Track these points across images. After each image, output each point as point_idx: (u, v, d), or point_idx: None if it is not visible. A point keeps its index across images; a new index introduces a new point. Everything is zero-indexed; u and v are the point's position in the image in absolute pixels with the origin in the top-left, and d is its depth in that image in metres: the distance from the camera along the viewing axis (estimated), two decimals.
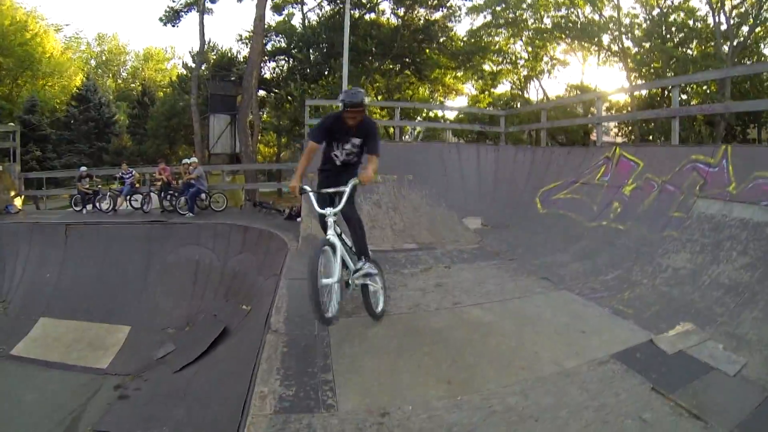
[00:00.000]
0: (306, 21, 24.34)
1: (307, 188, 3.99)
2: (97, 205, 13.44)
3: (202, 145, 21.63)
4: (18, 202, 14.35)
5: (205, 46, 24.01)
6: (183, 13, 21.99)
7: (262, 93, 23.81)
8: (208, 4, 21.95)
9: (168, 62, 43.41)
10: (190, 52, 36.47)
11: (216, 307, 8.50)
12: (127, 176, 13.42)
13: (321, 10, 24.07)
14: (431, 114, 24.82)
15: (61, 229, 11.47)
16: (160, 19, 22.31)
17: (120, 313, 9.28)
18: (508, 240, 7.78)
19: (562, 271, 5.90)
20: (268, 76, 24.41)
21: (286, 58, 24.38)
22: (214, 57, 25.88)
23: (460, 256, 6.78)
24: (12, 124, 15.84)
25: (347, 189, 3.87)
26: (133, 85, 43.13)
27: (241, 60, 25.01)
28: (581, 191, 7.99)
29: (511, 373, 3.37)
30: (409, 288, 5.29)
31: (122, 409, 6.54)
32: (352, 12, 19.78)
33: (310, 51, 23.16)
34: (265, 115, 25.62)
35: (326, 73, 21.80)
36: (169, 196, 12.69)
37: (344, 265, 3.85)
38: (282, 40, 24.30)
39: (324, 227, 3.86)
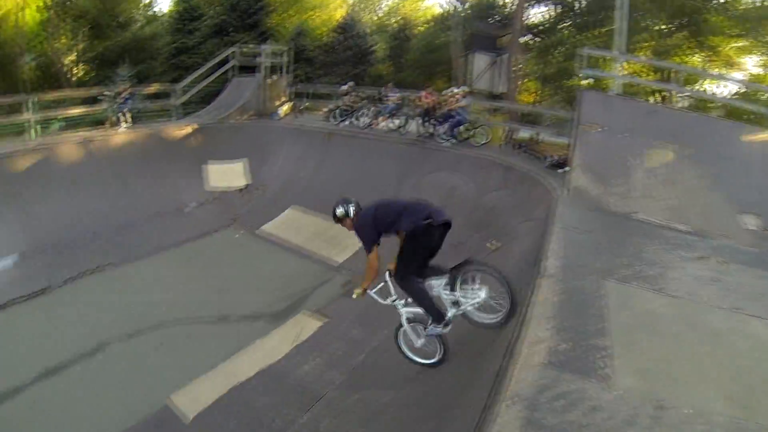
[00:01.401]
0: None
1: (369, 291, 4.67)
2: (355, 121, 14.11)
3: (461, 81, 22.45)
4: (284, 109, 16.32)
5: None
6: None
7: (526, 39, 23.26)
8: None
9: (423, 1, 44.44)
10: None
11: (462, 236, 8.34)
12: (392, 95, 13.87)
13: None
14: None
15: (322, 135, 13.12)
16: None
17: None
18: None
19: None
20: (535, 20, 23.68)
21: (555, 4, 23.20)
22: None
23: (737, 256, 5.77)
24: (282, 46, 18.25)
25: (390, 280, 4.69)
26: (391, 20, 45.64)
27: (501, 3, 24.52)
28: None
29: None
30: (687, 273, 4.86)
31: (347, 304, 7.00)
32: None
33: None
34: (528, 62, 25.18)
35: (597, 24, 20.17)
36: (429, 122, 12.64)
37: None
38: None
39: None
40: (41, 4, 29.86)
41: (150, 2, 36.51)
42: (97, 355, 6.49)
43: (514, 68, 19.10)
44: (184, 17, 26.59)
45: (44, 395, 5.74)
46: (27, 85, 29.26)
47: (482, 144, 12.27)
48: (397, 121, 13.61)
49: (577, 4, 21.38)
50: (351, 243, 9.00)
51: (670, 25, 20.36)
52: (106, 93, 13.99)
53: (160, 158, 12.37)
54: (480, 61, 21.66)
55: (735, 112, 16.22)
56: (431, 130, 12.62)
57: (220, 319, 7.47)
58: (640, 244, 5.60)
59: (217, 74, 16.59)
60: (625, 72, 13.34)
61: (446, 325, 4.40)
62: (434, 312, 4.41)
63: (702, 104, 18.78)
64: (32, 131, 12.75)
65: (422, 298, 4.43)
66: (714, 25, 19.22)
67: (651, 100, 17.81)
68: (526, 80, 23.79)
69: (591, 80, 12.60)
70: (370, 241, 4.39)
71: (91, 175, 11.16)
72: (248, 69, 16.80)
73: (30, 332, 7.02)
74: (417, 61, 31.62)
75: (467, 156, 11.06)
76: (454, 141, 12.11)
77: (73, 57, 33.73)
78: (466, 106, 12.47)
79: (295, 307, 7.75)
